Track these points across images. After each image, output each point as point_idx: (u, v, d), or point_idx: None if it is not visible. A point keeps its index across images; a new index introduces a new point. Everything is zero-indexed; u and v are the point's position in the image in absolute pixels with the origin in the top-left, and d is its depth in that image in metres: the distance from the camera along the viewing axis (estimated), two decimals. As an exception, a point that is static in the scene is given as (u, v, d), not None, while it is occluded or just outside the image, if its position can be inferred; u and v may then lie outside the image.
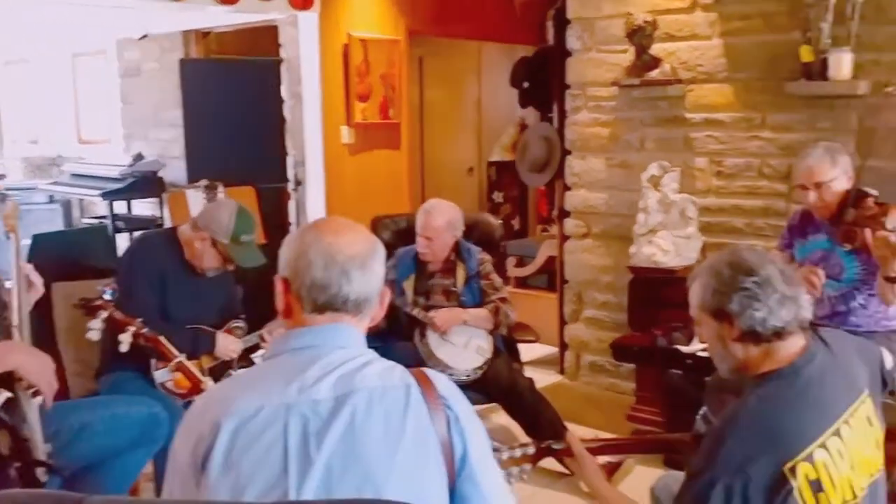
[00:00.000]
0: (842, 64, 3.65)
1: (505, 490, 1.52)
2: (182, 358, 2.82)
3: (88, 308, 2.74)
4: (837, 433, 1.73)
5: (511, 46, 7.22)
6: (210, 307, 3.22)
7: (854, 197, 2.97)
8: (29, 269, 2.34)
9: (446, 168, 8.22)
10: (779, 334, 1.78)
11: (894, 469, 2.43)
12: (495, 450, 2.02)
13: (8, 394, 1.81)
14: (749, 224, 4.12)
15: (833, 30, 3.64)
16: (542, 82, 5.23)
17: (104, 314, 2.72)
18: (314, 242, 1.49)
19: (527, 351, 5.18)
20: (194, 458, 1.37)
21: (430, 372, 1.50)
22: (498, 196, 7.83)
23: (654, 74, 4.24)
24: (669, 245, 4.13)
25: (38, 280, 2.35)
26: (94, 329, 2.70)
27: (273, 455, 1.34)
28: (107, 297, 2.73)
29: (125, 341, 2.76)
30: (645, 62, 4.26)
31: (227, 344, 3.17)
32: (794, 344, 1.80)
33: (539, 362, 5.16)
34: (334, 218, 1.63)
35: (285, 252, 1.53)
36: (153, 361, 2.98)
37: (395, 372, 1.47)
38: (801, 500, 1.67)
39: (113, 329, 2.77)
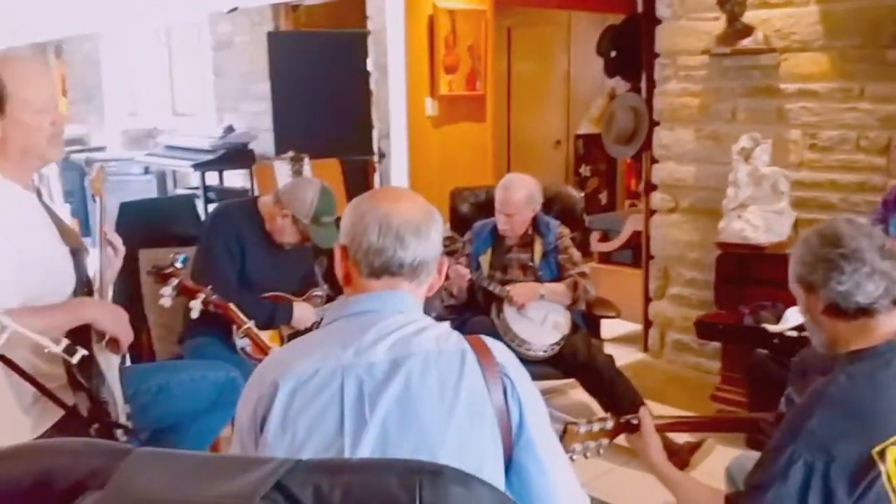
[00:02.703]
0: (950, 29, 3.44)
1: (565, 461, 1.50)
2: (251, 324, 2.87)
3: (160, 275, 2.81)
4: None
5: (602, 15, 7.05)
6: (289, 276, 3.27)
7: None
8: (111, 233, 2.39)
9: (533, 141, 8.13)
10: (865, 311, 1.71)
11: None
12: (573, 423, 2.00)
13: (84, 351, 1.85)
14: (844, 199, 3.93)
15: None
16: (630, 51, 5.09)
17: (175, 281, 2.77)
18: (371, 210, 1.50)
19: (609, 328, 5.10)
20: (254, 419, 1.41)
21: (487, 339, 1.49)
22: (585, 170, 7.71)
23: (747, 43, 4.07)
24: (759, 220, 3.97)
25: (119, 244, 2.41)
26: (166, 296, 2.76)
27: (329, 415, 1.36)
28: (178, 264, 2.79)
29: (196, 307, 2.82)
30: (737, 30, 4.09)
31: (304, 314, 3.21)
32: (892, 322, 1.72)
33: (622, 339, 5.07)
34: (391, 187, 1.64)
35: (344, 220, 1.55)
36: (234, 328, 3.04)
37: (451, 338, 1.46)
38: (890, 486, 1.59)
39: (184, 296, 2.83)
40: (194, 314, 2.82)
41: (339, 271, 1.55)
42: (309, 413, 1.36)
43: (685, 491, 1.89)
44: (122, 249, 2.43)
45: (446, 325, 1.53)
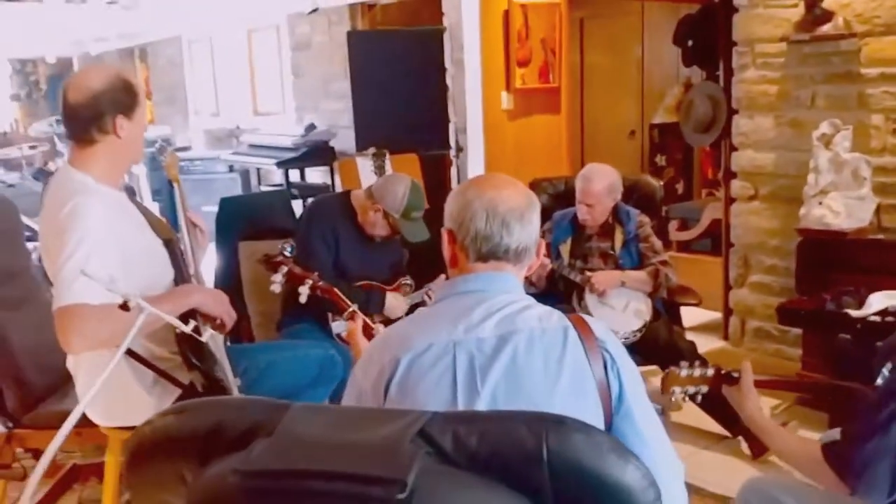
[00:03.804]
0: None
1: (662, 431, 1.59)
2: (355, 307, 3.02)
3: (270, 263, 2.98)
4: None
5: (675, 5, 7.04)
6: (381, 265, 3.43)
7: None
8: (194, 215, 2.53)
9: (607, 131, 8.15)
10: None
11: None
12: (675, 366, 2.08)
13: (212, 331, 2.01)
14: (926, 185, 3.91)
15: None
16: (707, 40, 5.10)
17: (285, 269, 2.95)
18: (476, 197, 1.60)
19: (690, 316, 5.13)
20: (376, 387, 1.51)
21: (587, 317, 1.59)
22: (661, 159, 7.70)
23: (827, 29, 4.06)
24: (841, 206, 3.97)
25: (203, 224, 2.55)
26: (276, 282, 2.94)
27: (443, 385, 1.47)
28: (287, 253, 2.96)
29: (304, 293, 2.98)
30: (816, 16, 4.09)
31: (396, 304, 3.35)
32: None
33: (702, 328, 5.09)
34: (494, 174, 1.73)
35: (450, 206, 1.65)
36: (330, 315, 3.20)
37: (554, 315, 1.56)
38: None
39: (292, 282, 3.00)
40: (303, 299, 2.99)
41: (446, 254, 1.66)
42: (425, 383, 1.48)
43: (782, 441, 1.97)
44: (206, 230, 2.58)
45: (547, 306, 1.62)
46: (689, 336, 4.23)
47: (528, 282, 3.82)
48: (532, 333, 1.51)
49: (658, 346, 3.65)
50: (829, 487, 1.80)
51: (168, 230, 2.39)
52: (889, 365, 2.77)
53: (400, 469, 0.85)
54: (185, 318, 2.09)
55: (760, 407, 2.02)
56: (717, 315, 5.01)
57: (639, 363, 3.73)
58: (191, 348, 2.08)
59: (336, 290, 3.03)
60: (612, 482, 0.91)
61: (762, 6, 4.41)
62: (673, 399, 2.06)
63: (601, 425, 1.50)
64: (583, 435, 0.93)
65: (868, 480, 1.70)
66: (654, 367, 3.86)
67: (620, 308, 3.76)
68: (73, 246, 2.02)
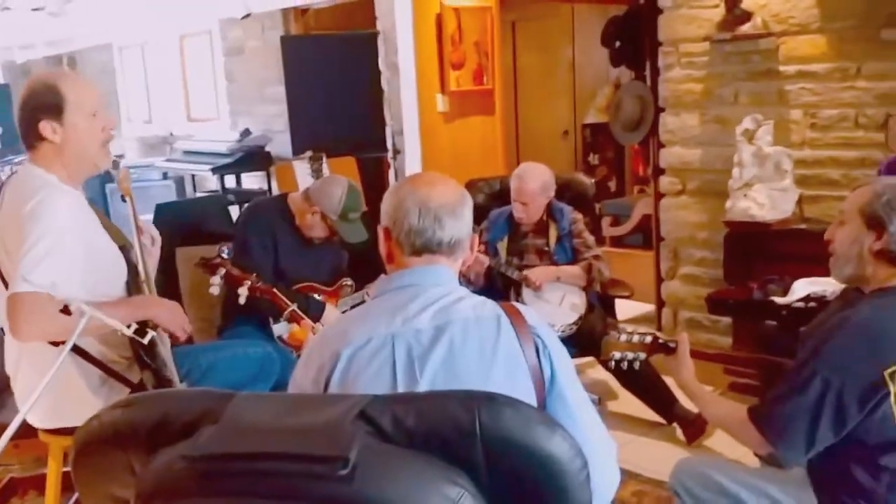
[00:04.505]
0: (941, 7, 3.58)
1: (593, 410, 1.67)
2: (294, 307, 3.05)
3: (208, 266, 2.99)
4: None
5: (604, 6, 7.21)
6: (321, 267, 3.46)
7: None
8: (147, 225, 2.57)
9: (541, 132, 8.28)
10: None
11: None
12: (617, 332, 2.18)
13: (154, 333, 2.05)
14: (845, 175, 4.08)
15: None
16: (634, 41, 5.24)
17: (223, 271, 2.95)
18: (410, 194, 1.66)
19: (624, 309, 5.26)
20: (317, 383, 1.56)
21: (518, 305, 1.67)
22: (594, 158, 7.87)
23: (746, 28, 4.22)
24: (765, 198, 4.13)
25: (156, 234, 2.58)
26: (215, 284, 2.95)
27: (383, 376, 1.53)
28: (224, 255, 2.96)
29: (243, 294, 3.00)
30: (736, 16, 4.24)
31: (333, 317, 3.37)
32: None
33: (636, 320, 5.23)
34: (427, 172, 1.81)
35: (385, 204, 1.71)
36: (271, 319, 3.22)
37: (487, 304, 1.64)
38: None
39: (231, 284, 3.01)
40: (242, 300, 3.00)
41: (383, 251, 1.72)
42: (365, 376, 1.53)
43: (714, 406, 2.11)
44: (158, 239, 2.60)
45: (481, 297, 1.69)
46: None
47: (468, 280, 3.93)
48: (467, 323, 1.58)
49: (593, 338, 3.74)
50: (754, 447, 1.92)
51: (122, 236, 2.42)
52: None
53: (341, 447, 0.90)
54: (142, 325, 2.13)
55: (694, 374, 2.12)
56: (650, 307, 5.15)
57: (575, 355, 3.90)
58: (143, 349, 2.11)
59: (275, 290, 3.05)
60: (541, 452, 0.98)
61: (685, 7, 4.55)
62: (612, 364, 2.16)
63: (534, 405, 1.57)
64: (512, 409, 0.99)
65: (787, 438, 1.83)
66: (590, 359, 3.98)
67: (557, 302, 3.86)
68: (35, 237, 2.06)
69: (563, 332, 3.78)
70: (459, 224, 1.67)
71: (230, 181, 7.29)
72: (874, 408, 1.77)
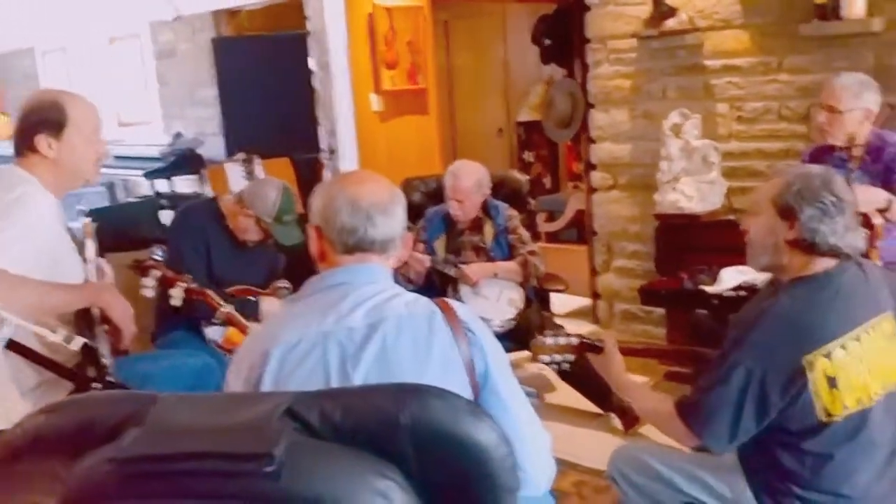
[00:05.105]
0: (855, 2, 3.69)
1: (527, 403, 1.68)
2: (230, 309, 3.02)
3: (141, 268, 2.93)
4: (858, 339, 1.88)
5: (535, 5, 7.28)
6: (255, 270, 3.42)
7: None
8: (102, 262, 2.57)
9: (477, 130, 8.32)
10: (832, 253, 1.90)
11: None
12: (542, 334, 2.20)
13: (83, 340, 2.02)
14: (771, 166, 4.19)
15: (845, -32, 3.69)
16: (563, 38, 5.30)
17: (156, 273, 2.90)
18: (340, 192, 1.66)
19: (561, 303, 5.33)
20: (248, 384, 1.55)
21: (451, 301, 1.67)
22: (528, 155, 7.93)
23: (672, 24, 4.31)
24: (693, 191, 4.23)
25: (109, 271, 2.58)
26: (148, 287, 2.89)
27: (316, 376, 1.52)
28: (157, 257, 2.91)
29: (176, 296, 2.95)
30: (662, 12, 4.33)
31: (271, 309, 3.35)
32: (831, 260, 1.92)
33: (574, 313, 5.30)
34: (357, 171, 1.81)
35: (315, 203, 1.70)
36: (203, 322, 3.18)
37: (420, 301, 1.64)
38: (816, 394, 1.82)
39: (164, 285, 2.95)
40: (176, 302, 2.95)
41: (313, 250, 1.71)
42: (298, 375, 1.52)
43: (642, 398, 2.15)
44: (111, 275, 2.59)
45: (414, 294, 1.70)
46: (562, 322, 4.40)
47: (408, 280, 3.93)
48: (400, 320, 1.58)
49: (530, 332, 3.78)
50: (682, 441, 1.95)
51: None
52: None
53: (267, 444, 0.90)
54: (83, 321, 2.17)
55: (624, 369, 2.16)
56: (586, 301, 5.22)
57: (513, 349, 3.93)
58: (87, 355, 2.10)
59: (209, 291, 3.01)
60: (468, 441, 0.99)
61: (613, 4, 4.63)
62: (541, 368, 2.20)
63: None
64: (440, 400, 1.01)
65: (712, 429, 1.87)
66: (528, 353, 4.02)
67: (494, 298, 3.89)
68: (7, 225, 2.08)
69: (501, 327, 3.81)
70: (392, 222, 1.67)
71: (163, 185, 7.16)
72: (795, 396, 1.82)
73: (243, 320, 3.05)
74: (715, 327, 3.75)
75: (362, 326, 1.56)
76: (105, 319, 2.29)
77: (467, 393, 1.58)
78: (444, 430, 0.98)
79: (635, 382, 2.19)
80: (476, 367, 1.60)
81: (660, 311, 4.53)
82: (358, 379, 1.51)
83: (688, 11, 4.31)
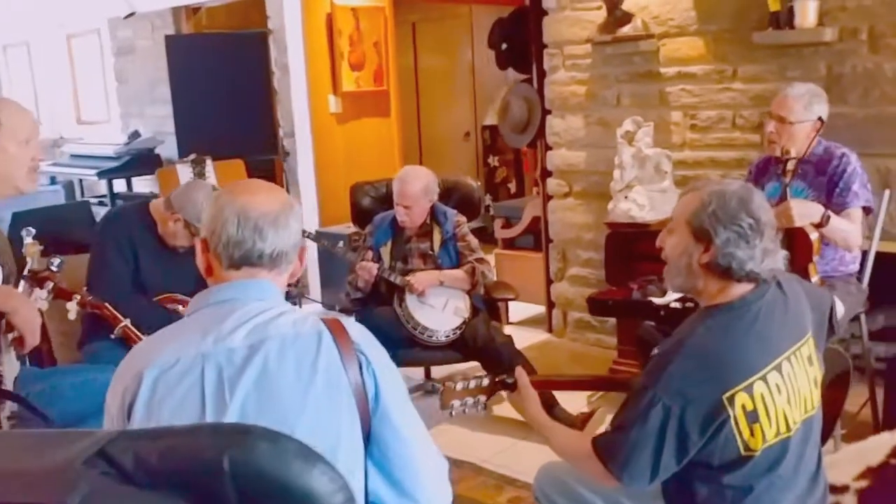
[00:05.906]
0: (808, 11, 3.65)
1: (422, 429, 1.59)
2: (127, 322, 2.89)
3: (36, 279, 2.77)
4: (778, 368, 1.78)
5: (501, 7, 7.20)
6: (185, 277, 3.27)
7: None
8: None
9: (443, 134, 8.25)
10: (749, 278, 1.80)
11: (841, 412, 2.49)
12: (450, 381, 2.09)
13: None
14: (724, 175, 4.12)
15: (798, -23, 3.64)
16: (521, 42, 5.22)
17: (51, 284, 2.75)
18: (228, 203, 1.56)
19: (516, 311, 5.26)
20: (122, 409, 1.46)
21: (344, 320, 1.58)
22: (493, 160, 7.87)
23: (626, 30, 4.25)
24: (645, 200, 4.16)
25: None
26: (42, 299, 2.73)
27: (190, 401, 1.43)
28: (54, 267, 2.76)
29: (72, 309, 2.83)
30: (617, 18, 4.27)
31: None
32: (749, 284, 1.82)
33: (528, 322, 5.23)
34: (251, 180, 1.71)
35: (204, 214, 1.61)
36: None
37: (308, 321, 1.54)
38: (737, 430, 1.73)
39: (59, 298, 2.81)
40: (71, 315, 2.83)
41: (200, 264, 1.62)
42: (172, 400, 1.43)
43: (558, 437, 2.01)
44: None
45: (305, 310, 1.62)
46: (516, 330, 4.32)
47: (356, 288, 3.84)
48: (284, 340, 1.49)
49: (476, 342, 3.72)
50: (600, 480, 1.84)
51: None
52: (655, 350, 2.92)
53: (61, 493, 0.81)
54: None
55: (539, 407, 2.06)
56: (541, 309, 5.15)
57: (459, 360, 3.85)
58: None
59: (106, 304, 2.89)
60: (297, 489, 0.90)
61: (569, 9, 4.57)
62: (453, 413, 2.08)
63: (356, 426, 1.49)
64: (268, 443, 0.92)
65: (630, 469, 1.76)
66: (475, 364, 3.94)
67: (440, 307, 3.81)
68: None
69: (447, 337, 3.74)
70: (283, 235, 1.58)
71: (121, 185, 7.04)
72: (715, 432, 1.72)
73: (141, 335, 2.91)
74: (661, 339, 3.68)
75: (243, 347, 1.47)
76: (11, 326, 2.22)
77: (355, 417, 1.49)
78: (272, 477, 0.90)
79: (549, 420, 2.08)
80: (367, 390, 1.51)
81: (613, 320, 4.47)
82: (235, 405, 1.42)
83: (643, 17, 4.25)
